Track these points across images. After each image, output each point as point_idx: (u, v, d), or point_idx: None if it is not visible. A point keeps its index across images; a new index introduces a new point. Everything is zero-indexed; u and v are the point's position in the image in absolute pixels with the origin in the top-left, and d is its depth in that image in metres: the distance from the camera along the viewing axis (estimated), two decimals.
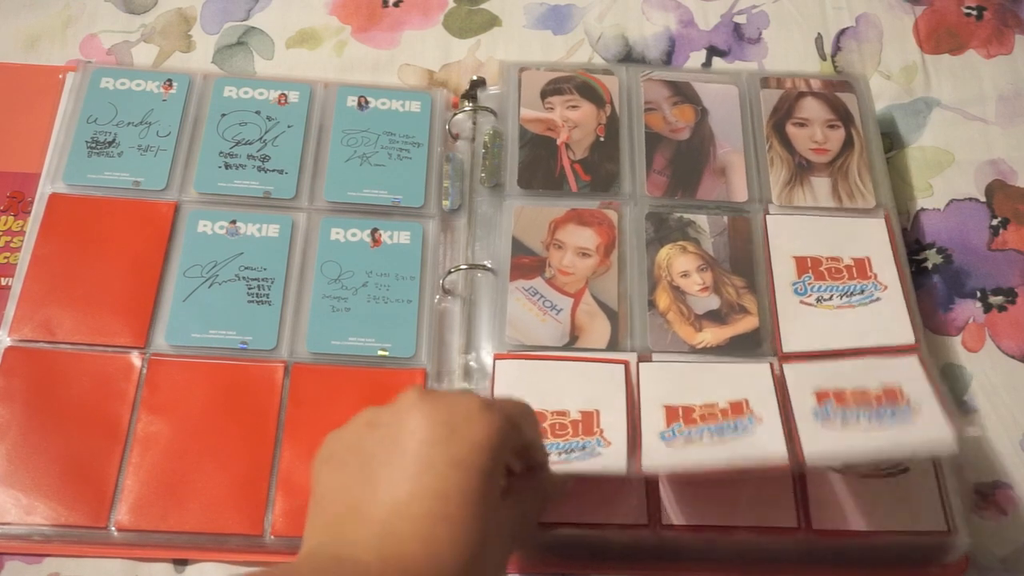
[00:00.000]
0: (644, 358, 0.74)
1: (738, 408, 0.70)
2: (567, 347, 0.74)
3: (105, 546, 0.69)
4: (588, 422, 0.70)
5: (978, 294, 0.81)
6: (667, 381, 0.72)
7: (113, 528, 0.68)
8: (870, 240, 0.79)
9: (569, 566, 0.70)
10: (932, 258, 0.83)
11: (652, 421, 0.70)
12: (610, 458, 0.67)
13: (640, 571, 0.70)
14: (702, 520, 0.68)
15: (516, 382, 0.72)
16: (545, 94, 0.84)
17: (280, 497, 0.69)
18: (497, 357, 0.73)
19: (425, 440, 0.51)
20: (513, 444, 0.55)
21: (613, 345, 0.74)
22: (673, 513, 0.68)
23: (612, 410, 0.71)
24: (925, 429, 0.64)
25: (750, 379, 0.72)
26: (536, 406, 0.69)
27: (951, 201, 0.85)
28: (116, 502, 0.69)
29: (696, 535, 0.68)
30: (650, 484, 0.69)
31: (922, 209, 0.85)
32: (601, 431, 0.70)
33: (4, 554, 0.69)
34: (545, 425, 0.70)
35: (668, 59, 0.92)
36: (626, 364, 0.73)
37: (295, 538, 0.67)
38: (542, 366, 0.73)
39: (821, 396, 0.69)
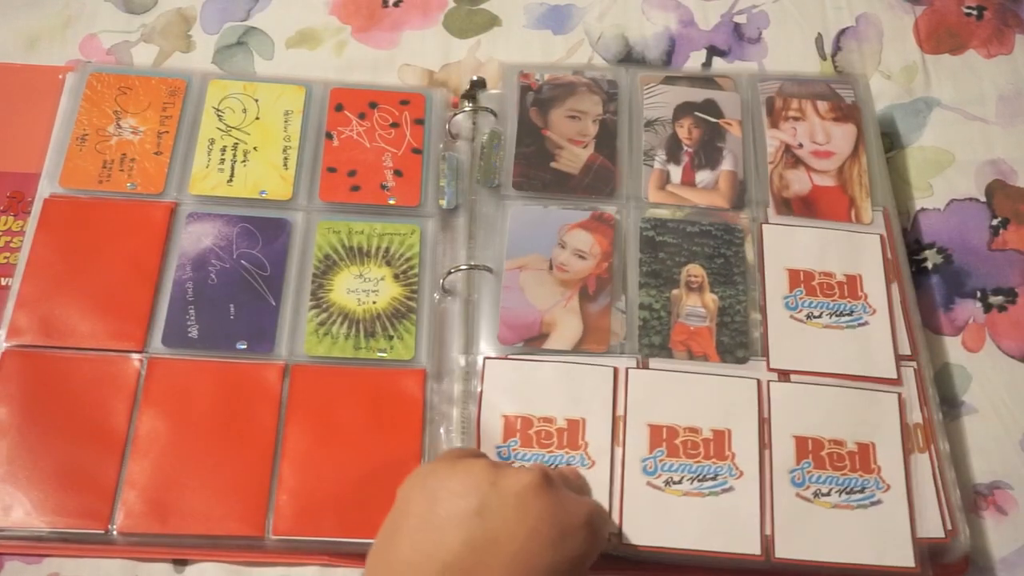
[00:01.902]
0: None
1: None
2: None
3: (105, 546, 0.69)
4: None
5: (978, 294, 0.81)
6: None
7: (114, 531, 0.68)
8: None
9: None
10: (932, 258, 0.83)
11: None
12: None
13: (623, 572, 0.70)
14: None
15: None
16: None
17: (281, 498, 0.69)
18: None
19: (535, 537, 0.56)
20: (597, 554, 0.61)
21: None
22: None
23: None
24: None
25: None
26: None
27: (951, 201, 0.85)
28: (116, 506, 0.69)
29: (655, 555, 0.68)
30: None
31: (922, 209, 0.85)
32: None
33: (4, 554, 0.69)
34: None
35: (668, 59, 0.92)
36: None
37: (296, 538, 0.68)
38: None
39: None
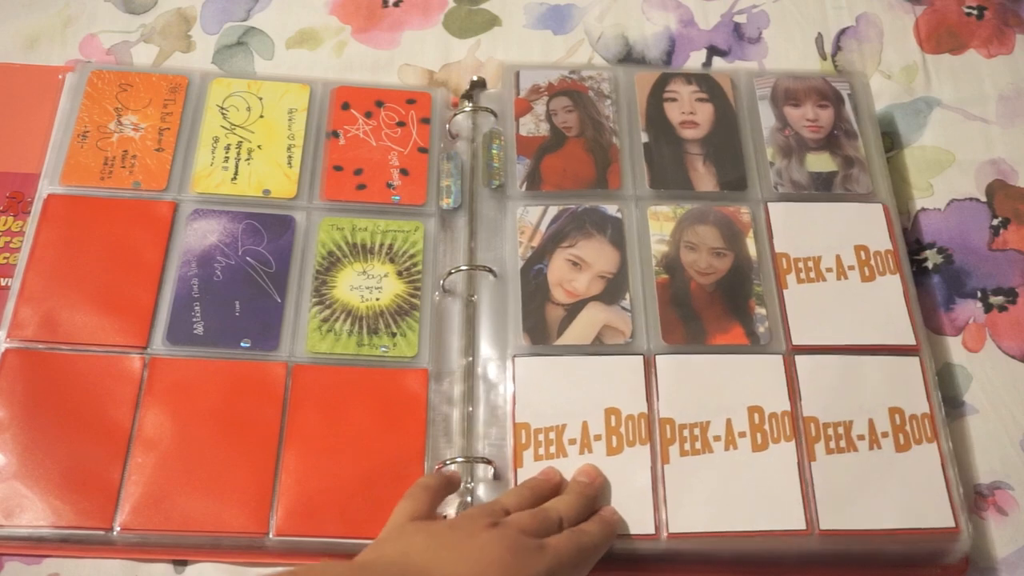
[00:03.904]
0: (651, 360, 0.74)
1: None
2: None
3: (106, 547, 0.69)
4: (609, 434, 0.71)
5: (978, 294, 0.81)
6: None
7: (117, 529, 0.68)
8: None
9: None
10: (932, 258, 0.83)
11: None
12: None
13: (640, 572, 0.70)
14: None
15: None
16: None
17: (283, 497, 0.69)
18: (516, 356, 0.74)
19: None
20: None
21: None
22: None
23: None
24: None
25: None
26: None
27: (951, 201, 0.85)
28: (120, 503, 0.68)
29: (704, 541, 0.68)
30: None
31: (922, 209, 0.85)
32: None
33: (4, 555, 0.69)
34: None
35: (668, 59, 0.92)
36: (644, 358, 0.73)
37: (298, 538, 0.68)
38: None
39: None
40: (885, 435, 0.71)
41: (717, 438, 0.71)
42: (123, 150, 0.81)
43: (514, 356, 0.74)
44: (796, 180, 0.81)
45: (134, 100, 0.83)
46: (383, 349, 0.75)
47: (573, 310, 0.75)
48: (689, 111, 0.84)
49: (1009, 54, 0.92)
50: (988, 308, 0.81)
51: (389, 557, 0.59)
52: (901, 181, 0.86)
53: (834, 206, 0.80)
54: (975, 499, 0.74)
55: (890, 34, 0.93)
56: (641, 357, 0.73)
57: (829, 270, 0.77)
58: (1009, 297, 0.81)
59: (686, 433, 0.71)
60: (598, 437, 0.70)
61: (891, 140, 0.88)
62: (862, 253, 0.78)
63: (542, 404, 0.72)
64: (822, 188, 0.81)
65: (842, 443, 0.71)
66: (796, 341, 0.75)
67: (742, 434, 0.71)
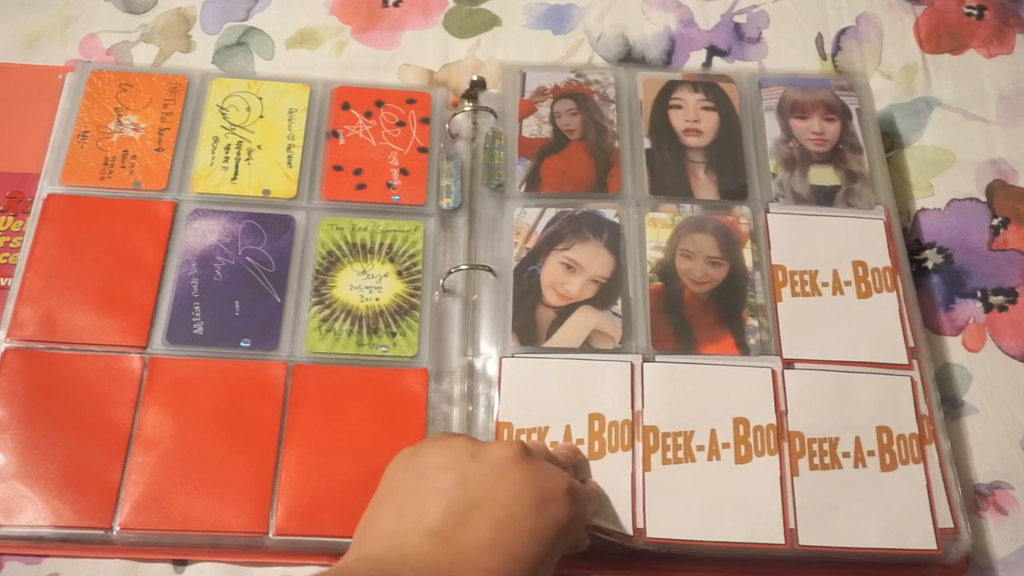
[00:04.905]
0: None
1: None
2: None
3: (106, 547, 0.69)
4: (592, 439, 0.71)
5: (978, 294, 0.81)
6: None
7: (117, 529, 0.68)
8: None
9: (565, 567, 0.70)
10: (932, 258, 0.83)
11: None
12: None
13: (636, 571, 0.70)
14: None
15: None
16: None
17: (283, 496, 0.69)
18: (504, 356, 0.74)
19: (517, 502, 0.57)
20: (580, 529, 0.63)
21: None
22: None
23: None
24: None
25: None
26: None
27: (951, 201, 0.85)
28: (120, 503, 0.68)
29: (682, 548, 0.68)
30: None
31: (922, 209, 0.85)
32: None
33: (4, 554, 0.69)
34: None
35: (668, 59, 0.92)
36: (632, 365, 0.73)
37: (298, 538, 0.68)
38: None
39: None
40: (871, 453, 0.71)
41: (700, 448, 0.70)
42: (123, 150, 0.81)
43: (501, 356, 0.74)
44: (798, 193, 0.81)
45: (134, 100, 0.83)
46: (383, 349, 0.75)
47: (564, 313, 0.75)
48: (694, 119, 0.84)
49: (1009, 54, 0.92)
50: (988, 308, 0.81)
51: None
52: (901, 181, 0.86)
53: (834, 220, 0.80)
54: (975, 499, 0.74)
55: (890, 34, 0.93)
56: (628, 363, 0.73)
57: (825, 284, 0.77)
58: (1009, 297, 0.81)
59: (669, 441, 0.71)
60: (580, 441, 0.70)
61: (891, 140, 0.88)
62: (860, 269, 0.78)
63: (526, 405, 0.72)
64: (824, 202, 0.81)
65: (826, 459, 0.71)
66: (787, 354, 0.74)
67: (726, 445, 0.71)
